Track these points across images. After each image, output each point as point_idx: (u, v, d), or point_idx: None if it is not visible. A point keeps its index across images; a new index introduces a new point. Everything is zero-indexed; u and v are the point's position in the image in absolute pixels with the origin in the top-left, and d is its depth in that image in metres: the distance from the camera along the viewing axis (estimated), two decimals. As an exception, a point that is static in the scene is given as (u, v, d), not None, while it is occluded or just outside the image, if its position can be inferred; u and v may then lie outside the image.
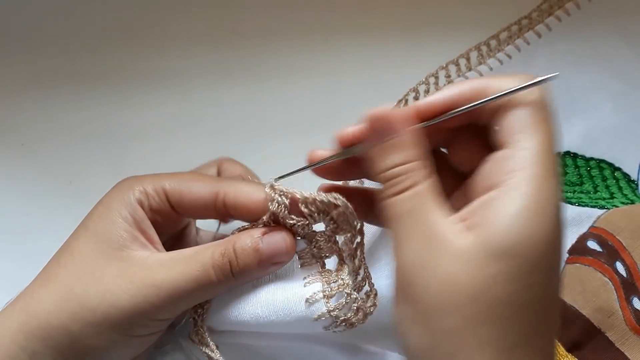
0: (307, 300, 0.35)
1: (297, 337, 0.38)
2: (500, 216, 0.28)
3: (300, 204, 0.34)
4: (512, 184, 0.29)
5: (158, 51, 0.51)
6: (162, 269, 0.34)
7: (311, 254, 0.36)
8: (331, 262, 0.37)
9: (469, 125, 0.33)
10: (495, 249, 0.28)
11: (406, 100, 0.49)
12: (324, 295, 0.35)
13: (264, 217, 0.35)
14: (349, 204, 0.34)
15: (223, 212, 0.36)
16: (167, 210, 0.36)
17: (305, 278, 0.36)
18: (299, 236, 0.36)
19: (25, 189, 0.48)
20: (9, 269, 0.45)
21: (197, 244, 0.41)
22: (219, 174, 0.41)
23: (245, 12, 0.52)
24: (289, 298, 0.35)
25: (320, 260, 0.36)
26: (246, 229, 0.36)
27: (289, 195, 0.34)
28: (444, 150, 0.36)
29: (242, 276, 0.34)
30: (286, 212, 0.34)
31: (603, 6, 0.53)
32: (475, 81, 0.32)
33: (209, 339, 0.36)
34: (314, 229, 0.36)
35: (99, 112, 0.50)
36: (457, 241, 0.28)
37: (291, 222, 0.35)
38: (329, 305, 0.35)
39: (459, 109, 0.32)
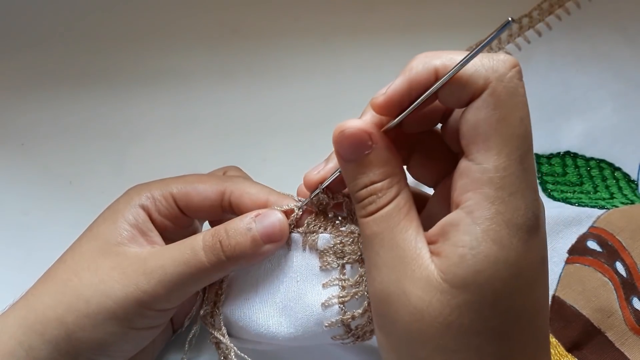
0: (322, 304, 0.34)
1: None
2: (457, 247, 0.27)
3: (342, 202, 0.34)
4: (467, 208, 0.27)
5: (158, 51, 0.51)
6: (153, 257, 0.34)
7: (333, 252, 0.34)
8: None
9: (429, 133, 0.32)
10: (456, 281, 0.27)
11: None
12: (339, 302, 0.34)
13: (285, 206, 0.34)
14: None
15: (229, 210, 0.36)
16: (176, 213, 0.36)
17: (324, 285, 0.34)
18: (323, 231, 0.35)
19: (25, 189, 0.48)
20: (9, 268, 0.45)
21: None
22: None
23: (245, 12, 0.52)
24: (307, 301, 0.34)
25: (340, 263, 0.35)
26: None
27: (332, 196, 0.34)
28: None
29: (235, 258, 0.33)
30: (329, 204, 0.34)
31: (603, 5, 0.53)
32: (429, 63, 0.28)
33: (222, 323, 0.35)
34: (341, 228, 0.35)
35: (99, 112, 0.50)
36: (424, 269, 0.28)
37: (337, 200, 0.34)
38: (342, 313, 0.33)
39: (413, 105, 0.29)
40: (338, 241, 0.34)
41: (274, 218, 0.33)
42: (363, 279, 0.33)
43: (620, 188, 0.49)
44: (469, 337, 0.27)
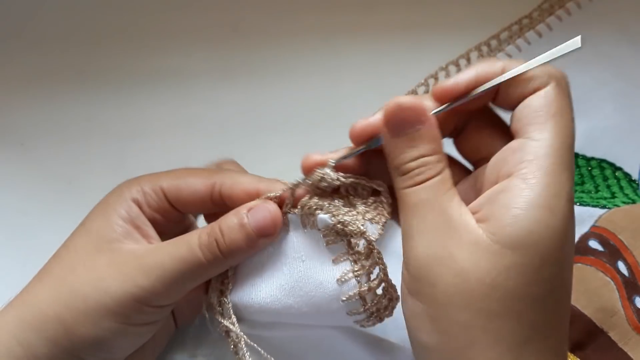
0: (338, 280, 0.33)
1: (314, 325, 0.37)
2: (510, 208, 0.28)
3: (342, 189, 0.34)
4: (522, 175, 0.28)
5: (158, 51, 0.51)
6: (150, 254, 0.34)
7: (335, 230, 0.34)
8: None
9: (482, 112, 0.33)
10: (507, 241, 0.27)
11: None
12: (355, 276, 0.33)
13: (280, 191, 0.34)
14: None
15: (220, 203, 0.36)
16: (166, 207, 0.36)
17: (334, 261, 0.34)
18: (321, 211, 0.34)
19: (25, 189, 0.48)
20: (9, 268, 0.45)
21: None
22: None
23: (245, 12, 0.52)
24: (320, 280, 0.34)
25: (345, 238, 0.34)
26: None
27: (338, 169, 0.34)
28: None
29: (231, 254, 0.33)
30: (332, 173, 0.33)
31: (604, 5, 0.53)
32: (495, 62, 0.31)
33: (231, 312, 0.35)
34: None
35: (98, 112, 0.50)
36: (471, 233, 0.28)
37: (337, 182, 0.33)
38: (360, 286, 0.33)
39: (480, 89, 0.31)
40: (337, 220, 0.34)
41: (266, 211, 0.33)
42: (373, 252, 0.33)
43: (621, 188, 0.48)
44: (512, 301, 0.27)
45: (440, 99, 0.31)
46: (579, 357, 0.42)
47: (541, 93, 0.30)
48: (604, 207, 0.46)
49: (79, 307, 0.33)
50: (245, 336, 0.34)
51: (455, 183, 0.32)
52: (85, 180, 0.48)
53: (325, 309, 0.34)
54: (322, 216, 0.34)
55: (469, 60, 0.52)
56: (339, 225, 0.34)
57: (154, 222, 0.36)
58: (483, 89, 0.31)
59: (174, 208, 0.36)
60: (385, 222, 0.34)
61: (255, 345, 0.34)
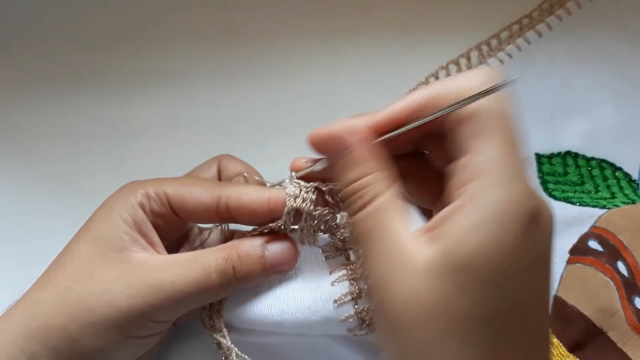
0: (335, 302, 0.34)
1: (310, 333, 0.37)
2: (458, 229, 0.27)
3: (326, 195, 0.34)
4: (470, 194, 0.28)
5: (158, 51, 0.51)
6: (162, 271, 0.34)
7: (335, 247, 0.35)
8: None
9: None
10: (454, 262, 0.27)
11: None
12: (352, 298, 0.34)
13: (283, 219, 0.34)
14: None
15: (226, 216, 0.35)
16: (169, 214, 0.36)
17: (331, 273, 0.35)
18: (321, 232, 0.35)
19: (24, 189, 0.48)
20: (9, 268, 0.45)
21: (201, 246, 0.40)
22: (219, 172, 0.41)
23: (245, 12, 0.52)
24: (317, 297, 0.35)
25: (344, 252, 0.36)
26: (249, 234, 0.36)
27: (314, 189, 0.34)
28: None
29: (244, 282, 0.34)
30: (311, 206, 0.34)
31: (604, 5, 0.53)
32: (429, 89, 0.31)
33: (222, 325, 0.35)
34: (337, 221, 0.35)
35: (98, 112, 0.49)
36: (419, 256, 0.28)
37: (316, 213, 0.34)
38: (357, 307, 0.34)
39: (405, 127, 0.31)
40: (337, 238, 0.35)
41: (286, 248, 0.35)
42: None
43: (621, 188, 0.49)
44: (460, 323, 0.27)
45: (373, 131, 0.31)
46: (578, 357, 0.42)
47: (483, 109, 0.29)
48: (603, 207, 0.46)
49: (84, 319, 0.33)
50: (236, 349, 0.35)
51: (440, 193, 0.32)
52: (85, 180, 0.48)
53: (321, 320, 0.34)
54: (323, 236, 0.35)
55: (469, 60, 0.51)
56: (339, 243, 0.35)
57: (156, 227, 0.36)
58: (407, 128, 0.31)
59: (177, 215, 0.36)
60: None
61: (246, 357, 0.35)
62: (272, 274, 0.35)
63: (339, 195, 0.33)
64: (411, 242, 0.28)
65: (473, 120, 0.29)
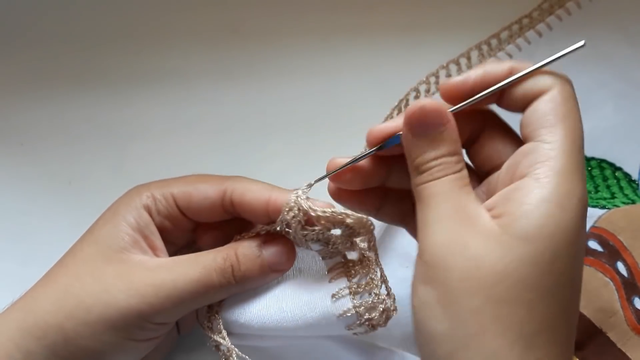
0: (333, 296, 0.35)
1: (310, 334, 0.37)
2: (524, 204, 0.28)
3: (314, 221, 0.34)
4: (534, 176, 0.29)
5: (158, 51, 0.51)
6: (162, 270, 0.34)
7: (330, 252, 0.36)
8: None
9: (493, 123, 0.34)
10: (519, 233, 0.28)
11: (407, 100, 0.49)
12: (350, 292, 0.35)
13: (277, 226, 0.35)
14: (363, 217, 0.34)
15: (231, 210, 0.36)
16: (176, 214, 0.36)
17: (329, 272, 0.35)
18: (313, 242, 0.35)
19: (24, 189, 0.48)
20: (9, 268, 0.45)
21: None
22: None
23: (245, 12, 0.52)
24: (314, 294, 0.35)
25: (341, 252, 0.36)
26: (247, 236, 0.36)
27: (305, 212, 0.34)
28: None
29: (242, 282, 0.34)
30: (299, 227, 0.34)
31: (604, 5, 0.52)
32: (502, 63, 0.32)
33: (221, 327, 0.35)
34: (330, 233, 0.35)
35: (99, 112, 0.50)
36: (485, 224, 0.29)
37: (304, 232, 0.34)
38: (354, 301, 0.34)
39: (489, 90, 0.32)
40: (330, 246, 0.35)
41: (284, 249, 0.35)
42: (368, 260, 0.35)
43: (621, 188, 0.48)
44: (523, 291, 0.28)
45: (447, 95, 0.32)
46: (577, 357, 0.42)
47: (547, 97, 0.30)
48: (603, 207, 0.46)
49: (81, 318, 0.33)
50: (236, 349, 0.35)
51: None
52: (85, 180, 0.48)
53: (320, 320, 0.35)
54: (315, 245, 0.35)
55: (469, 59, 0.51)
56: (332, 250, 0.35)
57: (162, 230, 0.36)
58: (492, 90, 0.32)
59: (184, 215, 0.36)
60: (371, 237, 0.35)
61: (247, 357, 0.35)
62: (270, 274, 0.35)
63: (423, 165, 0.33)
64: (482, 211, 0.29)
65: (542, 109, 0.30)
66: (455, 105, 0.32)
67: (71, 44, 0.51)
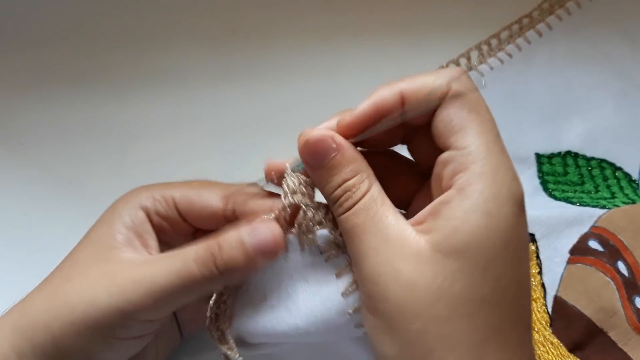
0: (342, 294, 0.33)
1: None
2: (449, 220, 0.28)
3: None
4: (459, 186, 0.29)
5: (158, 51, 0.51)
6: (144, 266, 0.33)
7: (335, 243, 0.34)
8: None
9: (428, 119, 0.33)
10: (449, 249, 0.28)
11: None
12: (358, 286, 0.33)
13: (276, 211, 0.33)
14: None
15: (232, 220, 0.34)
16: (175, 217, 0.35)
17: (336, 275, 0.34)
18: (319, 226, 0.34)
19: (24, 189, 0.48)
20: (9, 268, 0.45)
21: None
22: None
23: (245, 12, 0.52)
24: (324, 292, 0.34)
25: (346, 250, 0.34)
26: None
27: (312, 184, 0.33)
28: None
29: (227, 271, 0.32)
30: (308, 200, 0.33)
31: (604, 5, 0.53)
32: (394, 86, 0.32)
33: (230, 337, 0.34)
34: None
35: (98, 112, 0.49)
36: (412, 246, 0.29)
37: (313, 204, 0.33)
38: None
39: (374, 128, 0.31)
40: (337, 232, 0.34)
41: (267, 231, 0.32)
42: None
43: (621, 188, 0.48)
44: (461, 305, 0.28)
45: (344, 134, 0.32)
46: (578, 357, 0.42)
47: (446, 103, 0.30)
48: (603, 207, 0.46)
49: (66, 317, 0.32)
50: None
51: (416, 192, 0.34)
52: (85, 180, 0.48)
53: (332, 325, 0.34)
54: (322, 231, 0.34)
55: (469, 60, 0.51)
56: (339, 237, 0.34)
57: (161, 231, 0.36)
58: (385, 126, 0.31)
59: (184, 220, 0.36)
60: None
61: None
62: (257, 260, 0.32)
63: (330, 196, 0.33)
64: (409, 230, 0.29)
65: (449, 116, 0.30)
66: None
67: (71, 44, 0.51)
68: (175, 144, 0.49)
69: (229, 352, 0.34)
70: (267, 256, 0.32)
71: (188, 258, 0.32)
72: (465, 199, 0.28)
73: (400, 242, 0.29)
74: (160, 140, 0.49)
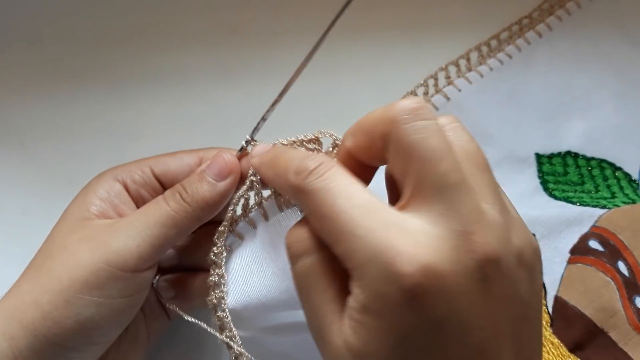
0: None
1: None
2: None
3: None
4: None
5: (158, 51, 0.51)
6: (119, 221, 0.35)
7: None
8: None
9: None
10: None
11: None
12: None
13: (247, 182, 0.36)
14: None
15: None
16: (152, 183, 0.37)
17: None
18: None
19: (24, 189, 0.48)
20: (9, 268, 0.45)
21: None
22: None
23: (245, 12, 0.52)
24: None
25: None
26: None
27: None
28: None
29: (196, 203, 0.35)
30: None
31: (604, 5, 0.53)
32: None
33: (231, 324, 0.34)
34: None
35: (98, 112, 0.49)
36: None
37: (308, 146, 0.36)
38: None
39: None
40: None
41: (220, 158, 0.36)
42: None
43: (621, 188, 0.48)
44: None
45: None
46: (579, 357, 0.42)
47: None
48: (604, 207, 0.46)
49: (54, 288, 0.33)
50: (247, 353, 0.34)
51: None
52: (85, 180, 0.47)
53: None
54: None
55: (468, 61, 0.51)
56: None
57: (141, 200, 0.37)
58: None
59: (163, 187, 0.37)
60: None
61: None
62: (218, 184, 0.35)
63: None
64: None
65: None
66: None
67: (71, 43, 0.51)
68: (175, 144, 0.48)
69: (231, 343, 0.34)
70: (225, 176, 0.36)
71: (158, 200, 0.35)
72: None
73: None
74: (160, 139, 0.49)
